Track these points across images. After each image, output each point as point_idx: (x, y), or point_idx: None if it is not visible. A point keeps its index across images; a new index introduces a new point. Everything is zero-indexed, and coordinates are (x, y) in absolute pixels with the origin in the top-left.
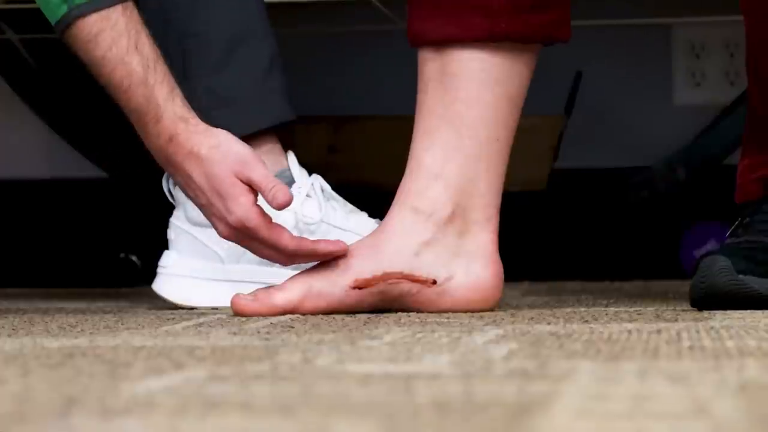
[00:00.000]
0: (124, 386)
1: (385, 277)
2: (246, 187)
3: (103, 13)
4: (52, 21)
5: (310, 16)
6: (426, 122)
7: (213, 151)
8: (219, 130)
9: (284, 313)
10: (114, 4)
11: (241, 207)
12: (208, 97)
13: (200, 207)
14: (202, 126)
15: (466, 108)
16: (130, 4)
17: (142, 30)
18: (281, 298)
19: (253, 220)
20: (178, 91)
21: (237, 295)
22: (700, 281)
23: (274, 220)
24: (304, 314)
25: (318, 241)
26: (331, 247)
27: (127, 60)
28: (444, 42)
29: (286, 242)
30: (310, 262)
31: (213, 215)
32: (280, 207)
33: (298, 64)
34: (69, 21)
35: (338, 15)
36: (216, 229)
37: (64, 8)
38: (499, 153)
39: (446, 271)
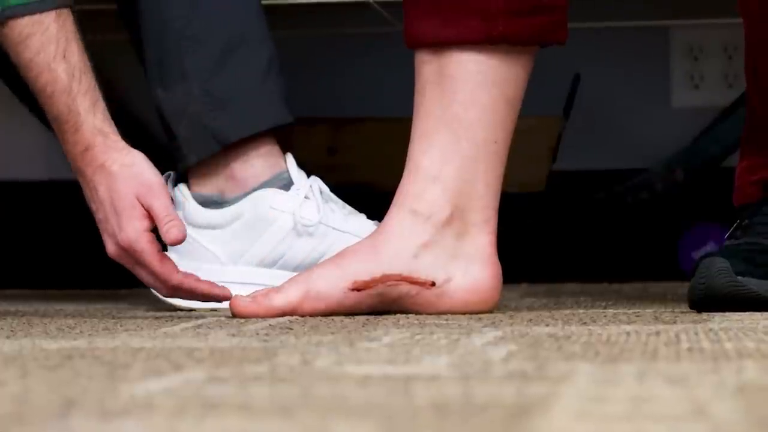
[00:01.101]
0: (123, 388)
1: (384, 278)
2: (144, 212)
3: (36, 17)
4: None
5: (310, 18)
6: (424, 124)
7: (124, 169)
8: (137, 152)
9: (283, 314)
10: (47, 9)
11: (133, 228)
12: (206, 99)
13: (97, 222)
14: (121, 144)
15: (463, 110)
16: (65, 12)
17: (73, 39)
18: (280, 300)
19: (141, 243)
20: (101, 105)
21: (236, 296)
22: (699, 283)
23: (268, 224)
24: (302, 316)
25: (201, 281)
26: (214, 290)
27: (53, 67)
28: (441, 44)
29: (169, 275)
30: (190, 299)
31: (105, 231)
32: (172, 243)
33: (297, 66)
34: (1, 20)
35: (337, 17)
36: (106, 246)
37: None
38: (496, 155)
39: (445, 273)
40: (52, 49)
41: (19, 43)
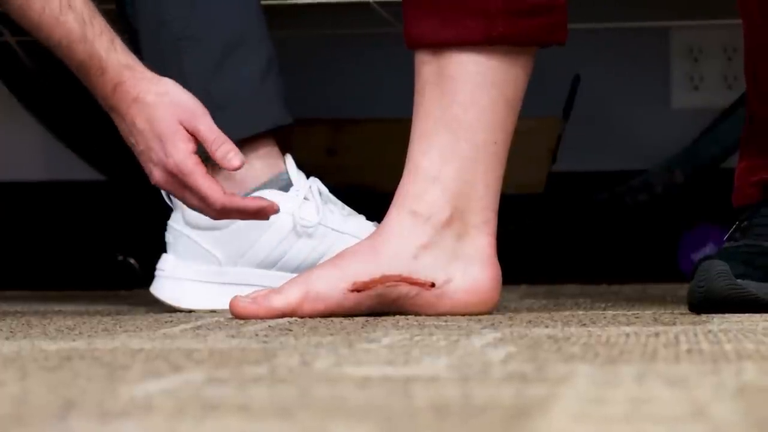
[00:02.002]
0: (122, 389)
1: (384, 279)
2: (188, 135)
3: None
4: None
5: (309, 18)
6: (423, 125)
7: (159, 97)
8: (167, 79)
9: (282, 315)
10: None
11: (180, 152)
12: (204, 100)
13: (138, 154)
14: (149, 74)
15: (463, 111)
16: None
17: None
18: (280, 301)
19: (189, 165)
20: (119, 41)
21: (236, 297)
22: (698, 286)
23: (267, 226)
24: (302, 317)
25: (247, 198)
26: (263, 203)
27: (63, 19)
28: (440, 45)
29: (218, 195)
30: (240, 219)
31: (150, 160)
32: (234, 169)
33: (296, 67)
34: None
35: (337, 17)
36: (151, 175)
37: None
38: (496, 156)
39: (444, 274)
40: (56, 3)
41: (21, 5)
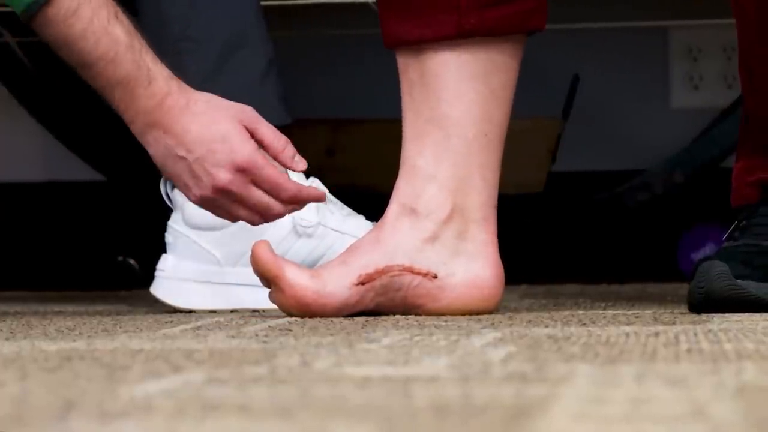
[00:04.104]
0: (122, 389)
1: (387, 269)
2: (249, 134)
3: None
4: (23, 3)
5: (309, 19)
6: (414, 125)
7: (211, 104)
8: (207, 93)
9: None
10: None
11: (249, 146)
12: None
13: (193, 163)
14: (191, 88)
15: (449, 107)
16: None
17: (116, 4)
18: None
19: (259, 158)
20: (159, 59)
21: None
22: (698, 286)
23: (267, 226)
24: (312, 316)
25: (305, 186)
26: (319, 193)
27: (110, 29)
28: (418, 43)
29: (291, 183)
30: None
31: (213, 165)
32: (302, 169)
33: (296, 67)
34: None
35: (336, 18)
36: (214, 179)
37: None
38: (488, 148)
39: (446, 269)
40: (105, 13)
41: (69, 16)
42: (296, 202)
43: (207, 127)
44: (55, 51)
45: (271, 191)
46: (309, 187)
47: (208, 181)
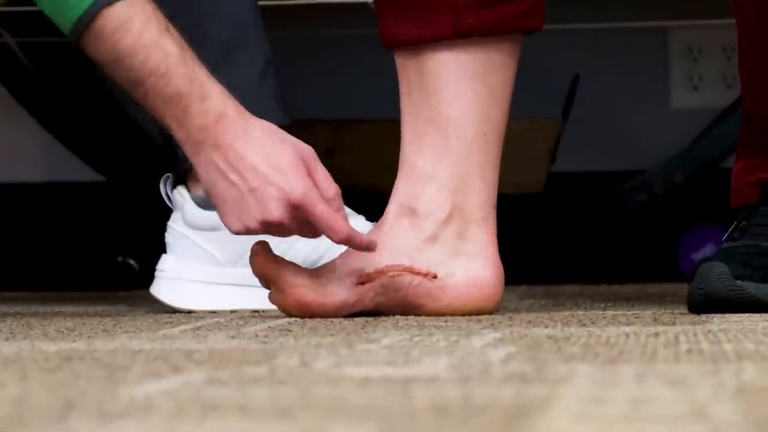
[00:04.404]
0: (122, 390)
1: (387, 269)
2: (306, 170)
3: (130, 0)
4: (71, 19)
5: (308, 19)
6: (412, 125)
7: (270, 134)
8: (262, 120)
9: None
10: None
11: (305, 183)
12: None
13: (246, 191)
14: (246, 111)
15: (448, 107)
16: None
17: (166, 18)
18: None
19: (315, 195)
20: (212, 76)
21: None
22: (697, 288)
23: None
24: (312, 317)
25: (359, 234)
26: (371, 243)
27: (162, 43)
28: (416, 43)
29: (344, 227)
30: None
31: (266, 197)
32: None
33: (295, 67)
34: (95, 12)
35: (336, 18)
36: (265, 212)
37: (89, 1)
38: (487, 148)
39: (446, 269)
40: (155, 26)
41: (117, 30)
42: (346, 245)
43: (265, 157)
44: (107, 72)
45: (323, 231)
46: (361, 233)
47: (258, 214)
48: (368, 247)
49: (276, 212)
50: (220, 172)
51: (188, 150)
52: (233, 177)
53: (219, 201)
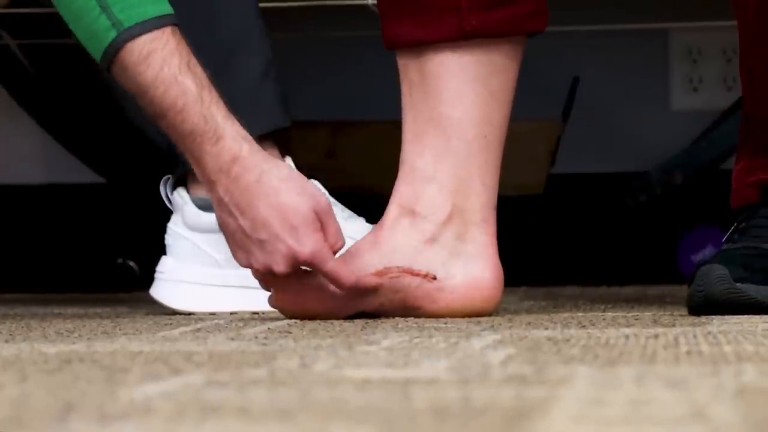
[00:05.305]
0: (121, 391)
1: (386, 271)
2: (319, 224)
3: (154, 33)
4: (99, 50)
5: (308, 20)
6: (413, 126)
7: (286, 183)
8: (283, 162)
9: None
10: (163, 25)
11: (316, 242)
12: None
13: (254, 241)
14: (263, 153)
15: (449, 108)
16: (178, 29)
17: (191, 53)
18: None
19: (325, 255)
20: (232, 116)
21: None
22: (697, 290)
23: None
24: (311, 318)
25: (366, 277)
26: (379, 285)
27: (181, 79)
28: (419, 44)
29: (350, 279)
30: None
31: (274, 252)
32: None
33: (295, 69)
34: (119, 45)
35: (336, 20)
36: (270, 266)
37: (113, 33)
38: (488, 150)
39: (445, 271)
40: (176, 62)
41: (140, 63)
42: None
43: (277, 211)
44: (138, 103)
45: (330, 282)
46: (366, 276)
47: (264, 263)
48: (376, 289)
49: (282, 267)
50: (232, 216)
51: (204, 185)
52: (244, 224)
53: (228, 236)
